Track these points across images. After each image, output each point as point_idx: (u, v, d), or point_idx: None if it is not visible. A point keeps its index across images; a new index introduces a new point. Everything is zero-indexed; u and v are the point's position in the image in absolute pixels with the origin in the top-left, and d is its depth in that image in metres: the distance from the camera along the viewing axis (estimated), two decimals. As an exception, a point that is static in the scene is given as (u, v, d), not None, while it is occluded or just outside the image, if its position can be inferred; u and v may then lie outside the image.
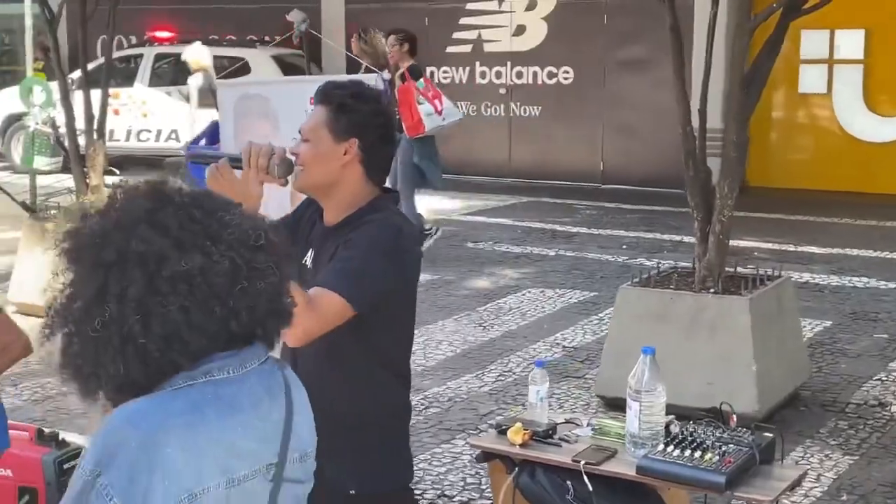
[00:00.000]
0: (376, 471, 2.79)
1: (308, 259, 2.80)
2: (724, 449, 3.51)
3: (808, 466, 4.98)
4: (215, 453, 1.64)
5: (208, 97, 9.27)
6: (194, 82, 10.56)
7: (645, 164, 13.52)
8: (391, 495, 2.87)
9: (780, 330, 5.95)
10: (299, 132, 2.79)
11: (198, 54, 9.54)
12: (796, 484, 3.60)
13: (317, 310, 2.52)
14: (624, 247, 10.04)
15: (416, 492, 4.72)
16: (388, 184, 2.95)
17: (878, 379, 6.34)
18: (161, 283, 1.65)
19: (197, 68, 9.55)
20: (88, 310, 1.67)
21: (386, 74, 8.05)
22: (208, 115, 9.11)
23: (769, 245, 9.95)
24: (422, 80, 9.12)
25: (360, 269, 2.63)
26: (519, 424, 3.80)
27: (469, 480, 4.94)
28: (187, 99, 11.47)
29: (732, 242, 10.09)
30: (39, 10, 7.79)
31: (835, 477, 5.00)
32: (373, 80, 4.33)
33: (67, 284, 1.72)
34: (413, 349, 2.91)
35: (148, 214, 1.70)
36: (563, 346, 7.01)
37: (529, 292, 8.35)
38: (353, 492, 2.71)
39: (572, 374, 6.45)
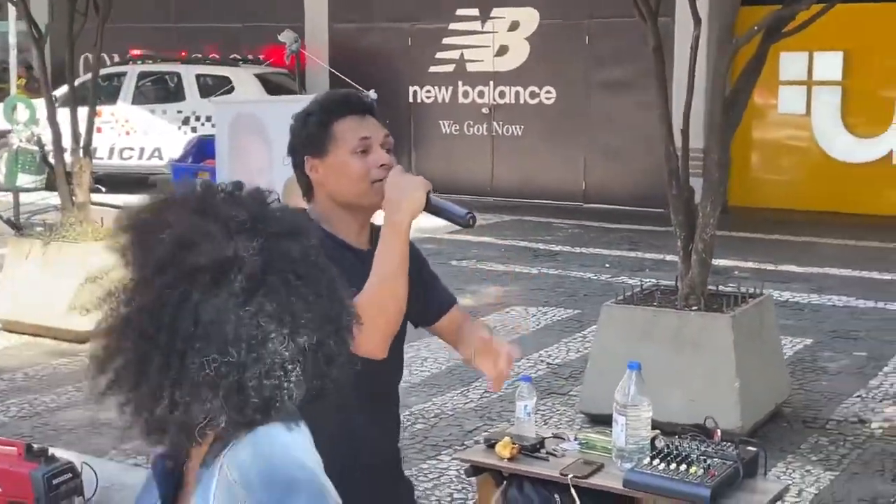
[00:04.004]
0: None
1: None
2: (708, 462, 3.57)
3: (790, 481, 5.05)
4: None
5: None
6: None
7: (626, 183, 13.62)
8: None
9: (762, 347, 6.02)
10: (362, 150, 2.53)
11: None
12: (779, 497, 3.67)
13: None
14: (607, 265, 10.12)
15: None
16: None
17: (858, 396, 6.43)
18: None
19: None
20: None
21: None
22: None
23: (750, 264, 10.04)
24: None
25: None
26: (507, 438, 3.86)
27: (456, 496, 4.98)
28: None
29: (714, 261, 10.30)
30: (26, 27, 7.82)
31: (816, 492, 5.07)
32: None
33: (254, 299, 1.40)
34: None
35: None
36: (548, 363, 7.07)
37: (514, 310, 8.41)
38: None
39: (557, 391, 6.50)
